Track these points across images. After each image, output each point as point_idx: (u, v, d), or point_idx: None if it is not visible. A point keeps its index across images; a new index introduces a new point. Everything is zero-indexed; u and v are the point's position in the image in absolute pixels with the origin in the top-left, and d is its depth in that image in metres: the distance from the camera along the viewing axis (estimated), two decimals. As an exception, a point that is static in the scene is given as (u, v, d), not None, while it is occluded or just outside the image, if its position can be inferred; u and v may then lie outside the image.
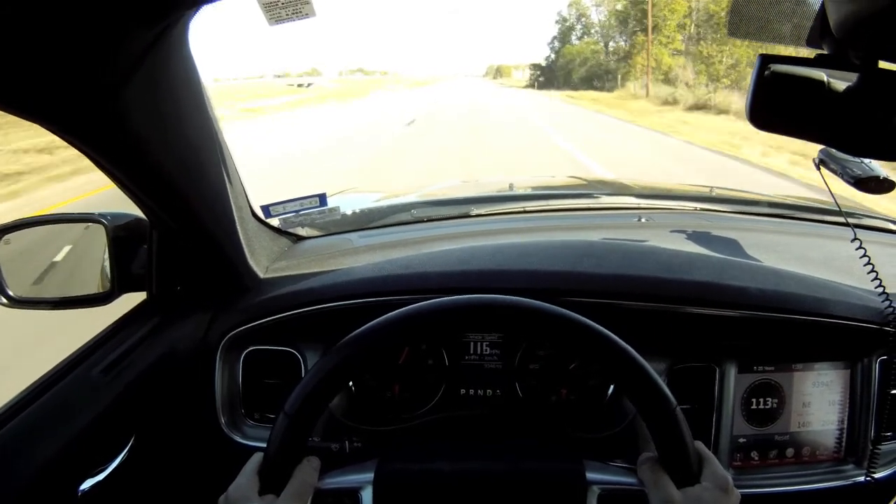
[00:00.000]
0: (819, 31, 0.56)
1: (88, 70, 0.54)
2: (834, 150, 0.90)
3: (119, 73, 0.57)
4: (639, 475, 0.65)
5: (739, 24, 0.66)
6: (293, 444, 0.63)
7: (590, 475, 0.68)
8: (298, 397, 0.62)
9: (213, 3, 0.56)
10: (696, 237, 1.11)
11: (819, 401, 0.89)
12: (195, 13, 0.59)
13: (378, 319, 0.65)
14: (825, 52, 0.56)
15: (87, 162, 0.66)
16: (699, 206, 1.32)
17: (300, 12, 0.61)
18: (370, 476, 0.69)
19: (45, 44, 0.49)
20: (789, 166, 7.09)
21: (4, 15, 0.45)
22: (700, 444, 0.65)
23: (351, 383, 0.90)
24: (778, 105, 0.58)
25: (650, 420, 0.63)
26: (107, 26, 0.52)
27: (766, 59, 0.57)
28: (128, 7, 0.51)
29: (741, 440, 0.88)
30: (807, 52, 0.58)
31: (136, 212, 0.83)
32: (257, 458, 0.64)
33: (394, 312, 0.65)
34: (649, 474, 0.63)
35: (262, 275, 0.94)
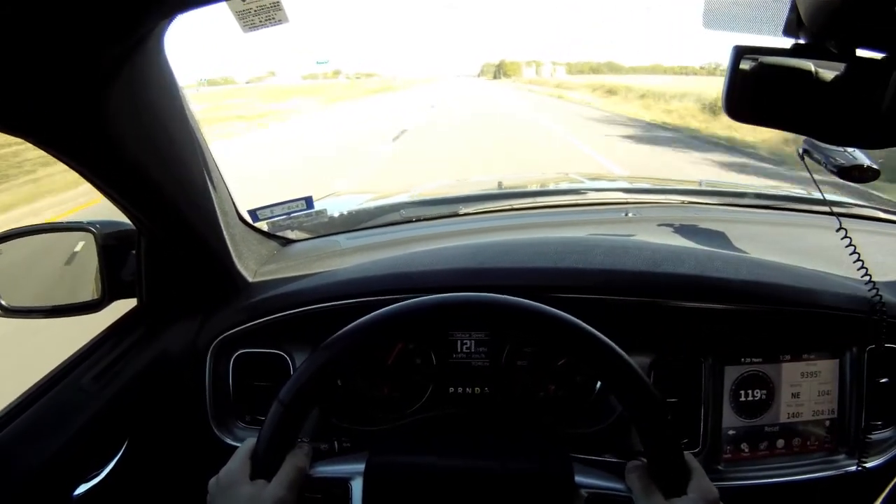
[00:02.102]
0: (795, 21, 0.56)
1: (65, 81, 0.55)
2: (817, 140, 0.91)
3: (97, 84, 0.57)
4: (627, 482, 0.65)
5: (713, 16, 0.66)
6: (286, 431, 0.64)
7: (578, 479, 0.68)
8: (293, 386, 0.63)
9: (188, 13, 0.57)
10: (683, 230, 1.11)
11: (808, 391, 0.89)
12: (170, 22, 0.60)
13: (369, 315, 0.66)
14: (802, 41, 0.56)
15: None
16: (686, 199, 1.32)
17: (273, 18, 0.61)
18: (361, 467, 0.69)
19: (19, 56, 0.50)
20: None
21: None
22: (689, 455, 0.65)
23: (340, 383, 0.91)
24: (756, 97, 0.58)
25: (640, 428, 0.63)
26: (82, 38, 0.52)
27: (740, 51, 0.57)
28: (102, 18, 0.52)
29: (731, 432, 0.88)
30: (783, 43, 0.58)
31: (127, 220, 0.84)
32: (249, 443, 0.65)
33: (385, 308, 0.66)
34: (637, 482, 0.64)
35: (250, 278, 0.95)
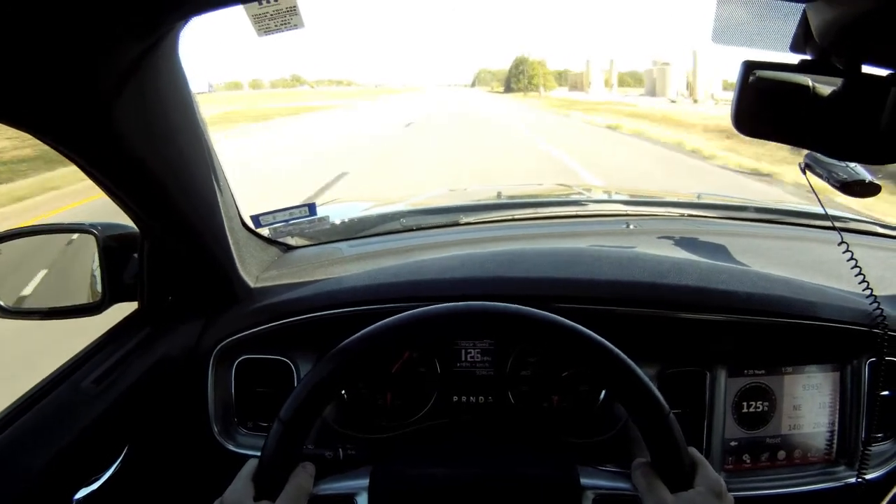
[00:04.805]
0: (802, 37, 0.57)
1: (79, 81, 0.55)
2: (819, 155, 0.92)
3: (110, 84, 0.57)
4: (632, 480, 0.65)
5: (723, 31, 0.66)
6: (288, 450, 0.63)
7: (583, 480, 0.69)
8: (293, 404, 0.62)
9: (203, 15, 0.57)
10: (684, 243, 1.12)
11: (810, 403, 0.90)
12: (185, 24, 0.60)
13: (372, 326, 0.65)
14: (809, 57, 0.57)
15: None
16: (686, 212, 1.33)
17: (289, 23, 0.62)
18: (365, 482, 0.69)
19: (34, 53, 0.50)
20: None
21: None
22: (693, 449, 0.65)
23: (343, 392, 0.90)
24: (763, 111, 0.59)
25: (643, 425, 0.63)
26: (97, 38, 0.52)
27: (749, 66, 0.58)
28: (118, 19, 0.52)
29: (733, 443, 0.89)
30: (791, 58, 0.59)
31: (128, 222, 0.83)
32: (252, 464, 0.64)
33: (388, 319, 0.65)
34: (642, 479, 0.63)
35: (252, 284, 0.94)
